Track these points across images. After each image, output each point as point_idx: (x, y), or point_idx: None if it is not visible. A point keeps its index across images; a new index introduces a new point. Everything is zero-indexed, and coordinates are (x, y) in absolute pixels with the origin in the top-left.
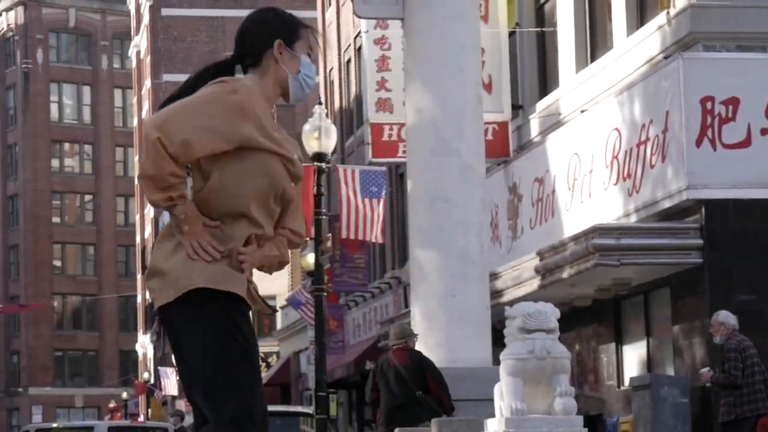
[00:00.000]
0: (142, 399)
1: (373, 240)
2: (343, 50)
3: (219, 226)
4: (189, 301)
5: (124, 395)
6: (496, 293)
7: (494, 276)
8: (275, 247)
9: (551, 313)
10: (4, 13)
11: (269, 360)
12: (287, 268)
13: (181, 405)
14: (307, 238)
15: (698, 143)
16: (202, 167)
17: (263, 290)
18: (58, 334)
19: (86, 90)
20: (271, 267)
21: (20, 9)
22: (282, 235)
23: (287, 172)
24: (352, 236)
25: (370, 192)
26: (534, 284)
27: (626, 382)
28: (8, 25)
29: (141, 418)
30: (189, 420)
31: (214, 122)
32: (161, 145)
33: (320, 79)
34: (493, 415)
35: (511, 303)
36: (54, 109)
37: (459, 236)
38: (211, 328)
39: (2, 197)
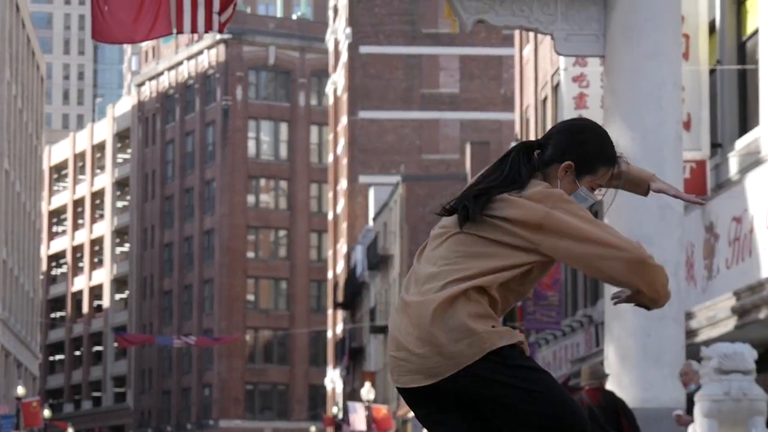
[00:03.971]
0: None
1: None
2: (540, 88)
3: None
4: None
5: (313, 429)
6: (690, 333)
7: (689, 315)
8: None
9: (748, 354)
10: (206, 51)
11: None
12: None
13: None
14: None
15: None
16: None
17: None
18: (250, 368)
19: (283, 126)
20: None
21: (221, 47)
22: None
23: None
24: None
25: None
26: (730, 324)
27: None
28: (209, 62)
29: None
30: None
31: None
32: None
33: (516, 117)
34: None
35: (707, 343)
36: (251, 145)
37: None
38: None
39: (199, 232)
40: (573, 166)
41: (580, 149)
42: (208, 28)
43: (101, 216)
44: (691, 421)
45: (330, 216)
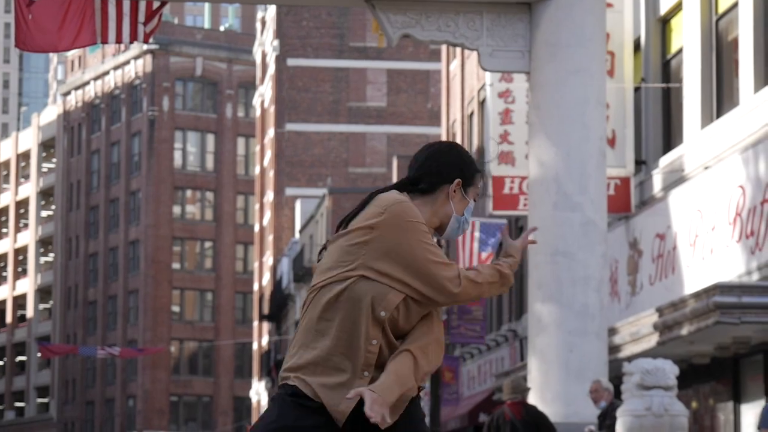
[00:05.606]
0: None
1: None
2: (466, 102)
3: None
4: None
5: None
6: (613, 349)
7: (612, 331)
8: None
9: (670, 370)
10: (132, 61)
11: None
12: None
13: None
14: None
15: None
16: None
17: None
18: (175, 379)
19: (210, 137)
20: None
21: (148, 57)
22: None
23: None
24: None
25: (486, 245)
26: (652, 341)
27: None
28: (136, 72)
29: None
30: None
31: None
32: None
33: (443, 131)
34: None
35: (629, 359)
36: (178, 156)
37: (579, 291)
38: None
39: (124, 242)
40: (461, 182)
41: (460, 164)
42: (134, 38)
43: (25, 225)
44: None
45: (256, 228)
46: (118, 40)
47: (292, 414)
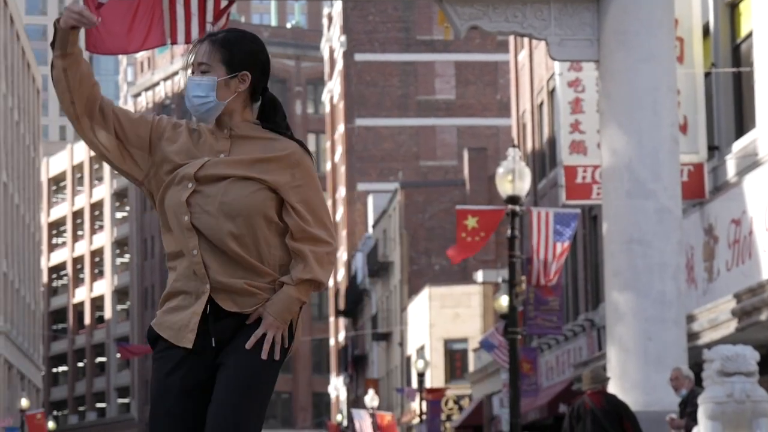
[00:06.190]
0: None
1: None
2: (535, 93)
3: None
4: None
5: None
6: (692, 336)
7: (690, 318)
8: None
9: (750, 356)
10: None
11: (461, 402)
12: (479, 311)
13: None
14: (500, 281)
15: None
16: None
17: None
18: None
19: None
20: None
21: None
22: None
23: None
24: (542, 281)
25: (562, 235)
26: (731, 327)
27: None
28: None
29: None
30: None
31: None
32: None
33: (513, 122)
34: None
35: (708, 346)
36: None
37: (655, 279)
38: None
39: None
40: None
41: None
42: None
43: (101, 227)
44: (683, 426)
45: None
46: (187, 41)
47: None
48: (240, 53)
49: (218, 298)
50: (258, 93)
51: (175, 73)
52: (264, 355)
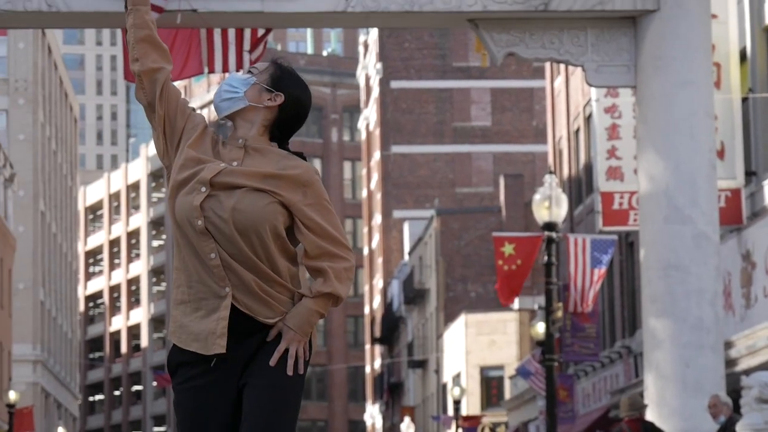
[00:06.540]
0: None
1: (582, 310)
2: (572, 119)
3: None
4: None
5: None
6: (730, 362)
7: (728, 345)
8: None
9: None
10: None
11: (497, 430)
12: (516, 338)
13: None
14: (537, 308)
15: None
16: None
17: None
18: None
19: (317, 162)
20: None
21: None
22: None
23: None
24: (579, 308)
25: (599, 262)
26: None
27: None
28: None
29: None
30: None
31: None
32: None
33: (549, 148)
34: None
35: (747, 372)
36: None
37: (693, 305)
38: None
39: None
40: None
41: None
42: (239, 66)
43: (137, 255)
44: None
45: (365, 251)
46: (225, 69)
47: None
48: (289, 85)
49: (238, 302)
50: (280, 135)
51: (211, 102)
52: (290, 371)
